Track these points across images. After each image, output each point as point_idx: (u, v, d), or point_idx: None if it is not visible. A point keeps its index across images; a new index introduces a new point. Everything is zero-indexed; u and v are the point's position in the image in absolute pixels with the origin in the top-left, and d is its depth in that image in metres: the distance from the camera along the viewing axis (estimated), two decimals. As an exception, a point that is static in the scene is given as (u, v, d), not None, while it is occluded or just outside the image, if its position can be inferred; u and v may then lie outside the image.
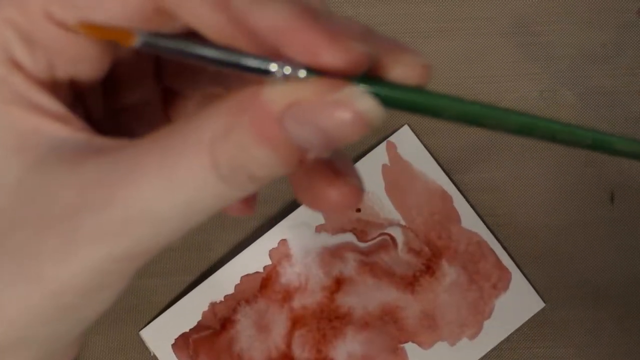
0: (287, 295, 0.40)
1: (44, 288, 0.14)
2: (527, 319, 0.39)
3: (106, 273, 0.14)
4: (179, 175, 0.14)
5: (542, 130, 0.15)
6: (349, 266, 0.40)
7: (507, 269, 0.40)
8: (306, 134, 0.13)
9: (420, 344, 0.39)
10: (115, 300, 0.16)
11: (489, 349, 0.39)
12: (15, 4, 0.15)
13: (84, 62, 0.16)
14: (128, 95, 0.19)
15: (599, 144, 0.15)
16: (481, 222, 0.40)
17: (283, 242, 0.40)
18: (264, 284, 0.40)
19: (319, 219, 0.40)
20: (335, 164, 0.16)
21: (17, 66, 0.15)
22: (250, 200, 0.19)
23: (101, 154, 0.14)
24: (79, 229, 0.14)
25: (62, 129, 0.15)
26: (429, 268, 0.40)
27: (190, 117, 0.14)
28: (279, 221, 0.40)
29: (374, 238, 0.40)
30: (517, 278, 0.40)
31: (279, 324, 0.39)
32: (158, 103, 0.20)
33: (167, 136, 0.14)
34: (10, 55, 0.15)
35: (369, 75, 0.14)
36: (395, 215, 0.40)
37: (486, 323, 0.39)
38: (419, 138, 0.41)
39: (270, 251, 0.40)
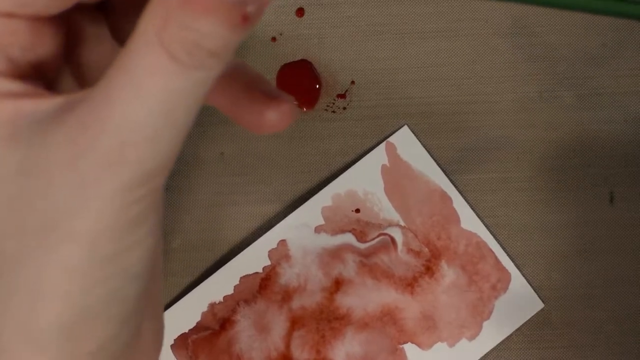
0: (286, 296, 0.40)
1: (77, 245, 0.15)
2: (526, 319, 0.39)
3: (127, 205, 0.15)
4: (146, 82, 0.14)
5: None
6: (349, 267, 0.40)
7: (506, 269, 0.40)
8: None
9: (419, 345, 0.39)
10: (152, 241, 0.16)
11: (488, 350, 0.39)
12: None
13: (39, 45, 0.16)
14: (88, 55, 0.19)
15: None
16: (480, 222, 0.40)
17: (282, 242, 0.40)
18: (263, 284, 0.40)
19: (318, 219, 0.40)
20: (267, 91, 0.18)
21: None
22: (283, 107, 0.19)
23: (78, 104, 0.15)
24: (84, 174, 0.14)
25: (37, 103, 0.15)
26: (429, 269, 0.40)
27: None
28: (278, 222, 0.40)
29: (374, 239, 0.40)
30: (517, 279, 0.40)
31: (278, 324, 0.39)
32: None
33: (121, 57, 0.14)
34: None
35: None
36: (395, 215, 0.40)
37: (485, 324, 0.39)
38: (418, 139, 0.41)
39: (269, 252, 0.40)
